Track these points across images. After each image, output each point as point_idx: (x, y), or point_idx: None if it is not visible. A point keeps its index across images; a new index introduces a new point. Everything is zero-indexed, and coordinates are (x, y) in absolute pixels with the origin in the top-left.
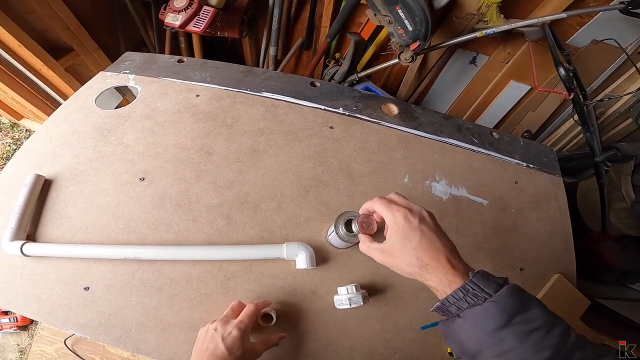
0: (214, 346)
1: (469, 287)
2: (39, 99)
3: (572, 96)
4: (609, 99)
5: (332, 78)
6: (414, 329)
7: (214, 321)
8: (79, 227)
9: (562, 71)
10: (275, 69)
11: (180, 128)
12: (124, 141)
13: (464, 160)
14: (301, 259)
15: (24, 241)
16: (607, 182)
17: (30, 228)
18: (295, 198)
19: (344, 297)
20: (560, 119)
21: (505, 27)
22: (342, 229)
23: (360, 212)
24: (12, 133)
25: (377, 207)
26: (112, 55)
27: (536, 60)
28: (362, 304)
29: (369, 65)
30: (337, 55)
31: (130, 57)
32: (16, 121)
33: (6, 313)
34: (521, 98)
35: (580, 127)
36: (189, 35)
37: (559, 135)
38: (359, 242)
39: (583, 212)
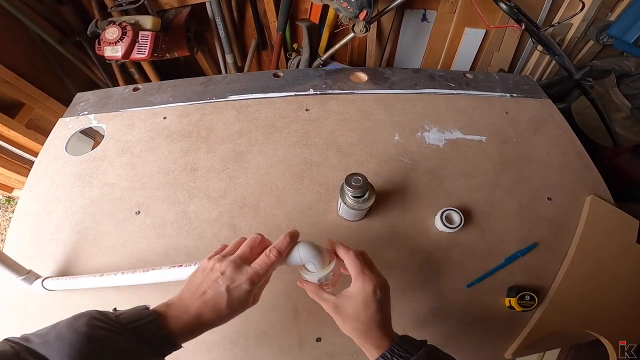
0: (214, 294)
1: (395, 349)
2: (17, 165)
3: (523, 26)
4: (559, 23)
5: (297, 68)
6: (460, 290)
7: (223, 256)
8: (96, 271)
9: (503, 6)
10: None
11: (158, 154)
12: (107, 181)
13: (447, 105)
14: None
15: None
16: (597, 96)
17: None
18: (291, 187)
19: None
20: (526, 52)
21: None
22: (349, 197)
23: (329, 245)
24: (11, 207)
25: (349, 264)
26: (68, 102)
27: (478, 3)
28: None
29: (329, 47)
30: (295, 45)
31: (84, 97)
32: (9, 194)
33: None
34: (482, 43)
35: (548, 57)
36: (139, 65)
37: (532, 68)
38: (369, 207)
39: (586, 130)
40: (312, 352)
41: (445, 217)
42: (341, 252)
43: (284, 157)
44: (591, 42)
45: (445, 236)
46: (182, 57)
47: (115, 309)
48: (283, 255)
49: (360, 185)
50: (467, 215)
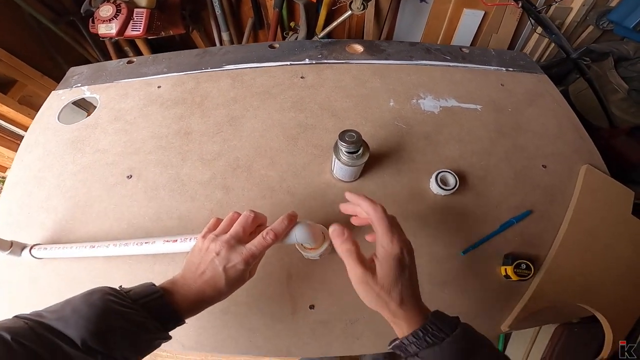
0: (212, 274)
1: (429, 327)
2: (9, 140)
3: (520, 4)
4: (556, 2)
5: None
6: (456, 256)
7: (217, 235)
8: (86, 238)
9: None
10: None
11: (151, 120)
12: (100, 148)
13: (442, 76)
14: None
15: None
16: (594, 77)
17: None
18: (285, 149)
19: None
20: (525, 34)
21: None
22: (343, 153)
23: (346, 206)
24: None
25: (376, 220)
26: (61, 79)
27: None
28: None
29: (326, 25)
30: (292, 24)
31: (77, 71)
32: (3, 174)
33: None
34: (480, 24)
35: (547, 40)
36: (133, 43)
37: (530, 49)
38: (363, 163)
39: (584, 111)
40: (305, 319)
41: (440, 179)
42: (366, 206)
43: (278, 121)
44: (591, 27)
45: (440, 199)
46: (177, 36)
47: (121, 286)
48: (280, 238)
49: (354, 140)
50: (463, 179)
